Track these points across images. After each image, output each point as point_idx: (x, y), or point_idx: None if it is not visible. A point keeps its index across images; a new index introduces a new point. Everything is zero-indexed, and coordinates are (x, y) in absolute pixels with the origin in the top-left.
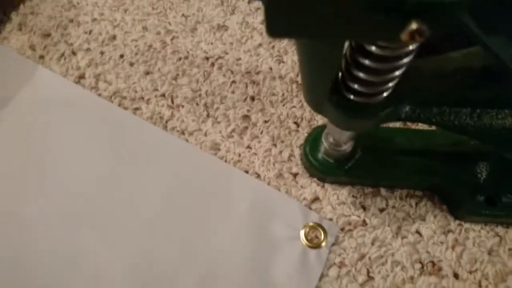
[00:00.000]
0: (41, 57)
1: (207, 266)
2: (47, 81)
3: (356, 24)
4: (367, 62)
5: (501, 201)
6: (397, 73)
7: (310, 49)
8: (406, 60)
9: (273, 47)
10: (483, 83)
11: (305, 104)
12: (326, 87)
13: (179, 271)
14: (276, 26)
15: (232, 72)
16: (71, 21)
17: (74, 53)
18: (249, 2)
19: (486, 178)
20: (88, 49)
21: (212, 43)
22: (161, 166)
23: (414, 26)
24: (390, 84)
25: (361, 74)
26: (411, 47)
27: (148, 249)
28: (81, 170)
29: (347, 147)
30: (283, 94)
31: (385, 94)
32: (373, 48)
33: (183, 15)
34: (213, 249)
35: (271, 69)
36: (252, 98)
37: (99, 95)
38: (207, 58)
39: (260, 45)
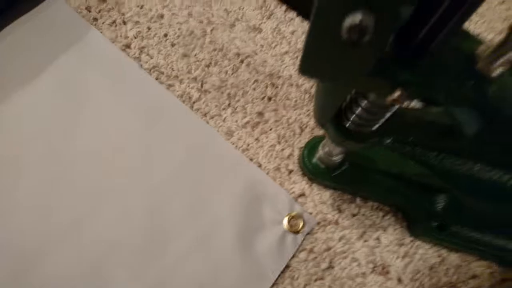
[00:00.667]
0: (95, 19)
1: (204, 228)
2: (96, 43)
3: (363, 85)
4: (364, 104)
5: (450, 230)
6: (384, 117)
7: (327, 87)
8: (391, 111)
9: (297, 57)
10: (449, 136)
11: (312, 114)
12: (331, 112)
13: (181, 228)
14: (305, 69)
15: (257, 71)
16: None
17: (124, 23)
18: (285, 11)
19: (441, 208)
20: (137, 22)
21: (245, 42)
22: (181, 139)
23: (398, 93)
24: (378, 123)
25: (358, 111)
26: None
27: (157, 206)
28: (112, 128)
29: (337, 158)
30: (296, 101)
31: (373, 129)
32: (370, 97)
33: (225, 9)
34: (211, 215)
35: (291, 76)
36: (269, 99)
37: (141, 66)
38: (238, 54)
39: (286, 52)
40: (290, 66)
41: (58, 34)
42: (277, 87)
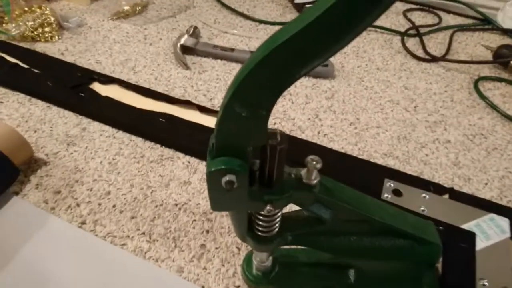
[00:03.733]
0: (52, 208)
1: None
2: (56, 226)
3: (244, 205)
4: (261, 217)
5: None
6: (276, 222)
7: (232, 214)
8: (278, 216)
9: None
10: (319, 223)
11: None
12: (243, 229)
13: None
14: (214, 208)
15: (193, 213)
16: (77, 181)
17: (78, 205)
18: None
19: (354, 279)
20: (89, 202)
21: (180, 194)
22: (139, 286)
23: (268, 207)
24: (275, 227)
25: (260, 223)
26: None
27: None
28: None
29: (268, 262)
30: (228, 227)
31: (275, 231)
32: (262, 212)
33: (160, 175)
34: None
35: None
36: (207, 231)
37: (96, 235)
38: (176, 204)
39: None
40: None
41: (22, 226)
42: (211, 220)
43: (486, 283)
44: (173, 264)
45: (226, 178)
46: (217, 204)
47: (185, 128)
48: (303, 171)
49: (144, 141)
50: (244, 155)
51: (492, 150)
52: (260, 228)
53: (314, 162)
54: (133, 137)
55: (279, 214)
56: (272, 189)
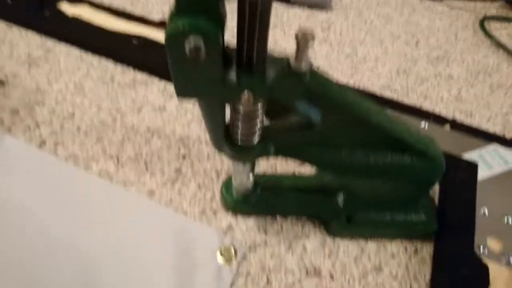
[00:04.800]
0: (9, 128)
1: (138, 283)
2: (11, 147)
3: (216, 90)
4: (240, 121)
5: (356, 219)
6: (257, 125)
7: (204, 108)
8: (258, 116)
9: (201, 122)
10: (307, 128)
11: (224, 159)
12: (220, 133)
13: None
14: (180, 92)
15: (168, 139)
16: (38, 103)
17: (38, 126)
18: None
19: (344, 204)
20: (50, 123)
21: (153, 119)
22: (103, 209)
23: (245, 96)
24: (256, 133)
25: (238, 124)
26: (258, 108)
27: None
28: (38, 215)
29: (249, 184)
30: (208, 154)
31: (256, 139)
32: (240, 108)
33: (131, 99)
34: (143, 273)
35: (199, 136)
36: (184, 157)
37: (57, 156)
38: (148, 129)
39: (191, 121)
40: (198, 129)
41: None
42: (188, 147)
43: (487, 211)
44: (143, 188)
45: (191, 41)
46: (181, 84)
47: (161, 51)
48: (291, 55)
49: (115, 64)
50: (216, 14)
51: (496, 88)
52: (238, 132)
53: (307, 38)
54: (103, 60)
55: (260, 113)
56: (251, 73)
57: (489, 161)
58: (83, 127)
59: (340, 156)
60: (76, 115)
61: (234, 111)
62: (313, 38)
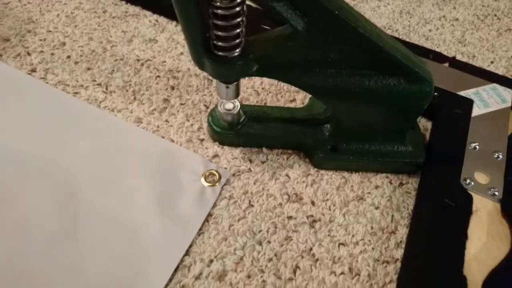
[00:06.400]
0: None
1: (123, 202)
2: (3, 72)
3: None
4: (218, 22)
5: (340, 149)
6: (237, 31)
7: (179, 11)
8: (238, 19)
9: None
10: (292, 39)
11: (213, 92)
12: (199, 43)
13: (99, 205)
14: None
15: (157, 70)
16: (29, 31)
17: (28, 54)
18: (176, 25)
19: (329, 134)
20: (41, 51)
21: (143, 51)
22: (89, 132)
23: None
24: (237, 42)
25: (217, 33)
26: (237, 9)
27: (75, 190)
28: (29, 135)
29: (235, 110)
30: (197, 86)
31: (237, 51)
32: (219, 11)
33: (122, 31)
34: (128, 191)
35: (189, 69)
36: (172, 88)
37: (47, 83)
38: (138, 60)
39: (182, 53)
40: (187, 62)
41: None
42: (178, 78)
43: (477, 146)
44: (131, 115)
45: None
46: None
47: None
48: None
49: None
50: None
51: (504, 31)
52: (218, 41)
53: None
54: None
55: (240, 16)
56: None
57: (485, 99)
58: (74, 56)
59: (324, 77)
60: (67, 44)
61: (213, 14)
62: None
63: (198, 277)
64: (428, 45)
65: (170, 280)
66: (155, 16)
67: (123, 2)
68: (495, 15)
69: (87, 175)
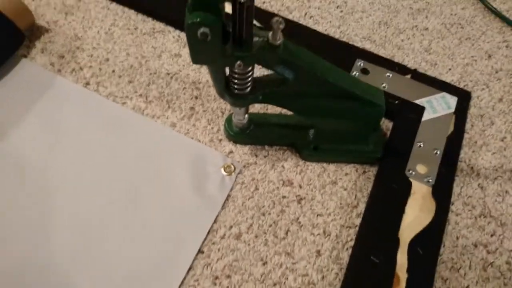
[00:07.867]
0: (59, 70)
1: (167, 188)
2: (64, 86)
3: (218, 59)
4: (235, 77)
5: (321, 148)
6: (248, 81)
7: (211, 70)
8: (249, 75)
9: None
10: (284, 84)
11: None
12: (222, 87)
13: (148, 192)
14: (194, 60)
15: (184, 82)
16: (78, 48)
17: (81, 69)
18: None
19: (313, 137)
20: (90, 66)
21: (171, 65)
22: (138, 136)
23: (238, 63)
24: (248, 85)
25: (234, 80)
26: (249, 74)
27: (130, 184)
28: (86, 141)
29: (244, 121)
30: (214, 96)
31: (248, 89)
32: (235, 71)
33: (152, 47)
34: (170, 179)
35: (207, 80)
36: (196, 97)
37: (100, 95)
38: (168, 74)
39: (201, 66)
40: (206, 74)
41: (33, 85)
42: (199, 89)
43: (422, 145)
44: (167, 121)
45: (201, 30)
46: (195, 56)
47: (176, 1)
48: (270, 33)
49: (136, 14)
50: (217, 11)
51: (465, 40)
52: (235, 86)
53: (278, 23)
54: (126, 9)
55: (250, 73)
56: (242, 47)
57: (435, 106)
58: (117, 70)
59: (308, 103)
60: (110, 60)
61: (231, 72)
62: (282, 24)
63: (223, 237)
64: (399, 54)
65: (205, 239)
66: (177, 32)
67: (150, 19)
68: (460, 24)
69: (141, 169)
